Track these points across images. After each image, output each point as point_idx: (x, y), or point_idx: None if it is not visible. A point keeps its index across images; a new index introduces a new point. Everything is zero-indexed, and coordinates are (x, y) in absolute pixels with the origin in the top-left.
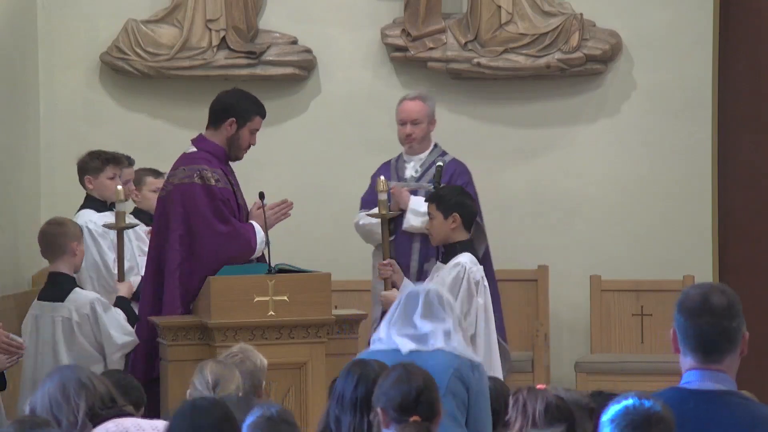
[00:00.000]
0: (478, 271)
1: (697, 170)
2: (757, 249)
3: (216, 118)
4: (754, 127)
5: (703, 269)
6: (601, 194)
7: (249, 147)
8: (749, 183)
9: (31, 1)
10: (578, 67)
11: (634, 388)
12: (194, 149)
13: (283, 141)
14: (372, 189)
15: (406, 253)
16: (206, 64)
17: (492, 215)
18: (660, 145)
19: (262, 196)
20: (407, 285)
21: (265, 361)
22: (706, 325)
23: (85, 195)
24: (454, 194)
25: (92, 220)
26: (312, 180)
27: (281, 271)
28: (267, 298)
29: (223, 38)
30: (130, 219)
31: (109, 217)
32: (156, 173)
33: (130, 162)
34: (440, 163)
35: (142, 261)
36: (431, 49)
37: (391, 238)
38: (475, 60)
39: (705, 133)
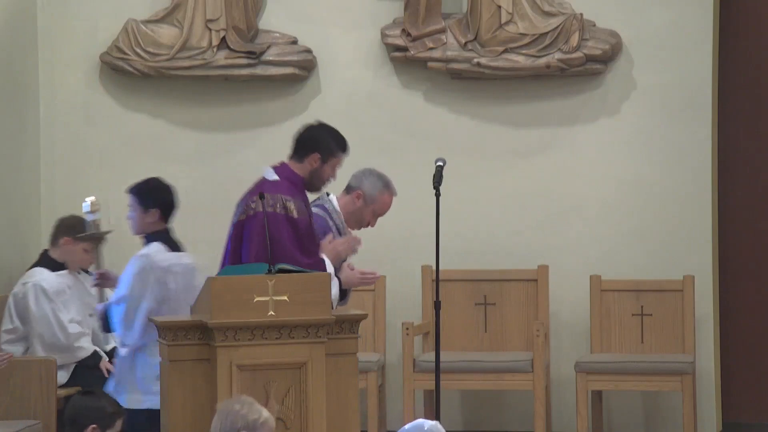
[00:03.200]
0: (167, 259)
1: (697, 170)
2: (757, 249)
3: (301, 151)
4: (754, 127)
5: (703, 269)
6: (601, 194)
7: (329, 180)
8: (749, 183)
9: (31, 1)
10: (578, 67)
11: (634, 388)
12: (276, 177)
13: (283, 141)
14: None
15: None
16: (206, 64)
17: (492, 215)
18: (660, 145)
19: (262, 196)
20: None
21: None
22: None
23: (42, 252)
24: (150, 189)
25: (45, 278)
26: None
27: (281, 271)
28: (267, 298)
29: (223, 38)
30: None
31: (64, 276)
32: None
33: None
34: (440, 163)
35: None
36: (431, 49)
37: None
38: (475, 60)
39: (705, 133)
